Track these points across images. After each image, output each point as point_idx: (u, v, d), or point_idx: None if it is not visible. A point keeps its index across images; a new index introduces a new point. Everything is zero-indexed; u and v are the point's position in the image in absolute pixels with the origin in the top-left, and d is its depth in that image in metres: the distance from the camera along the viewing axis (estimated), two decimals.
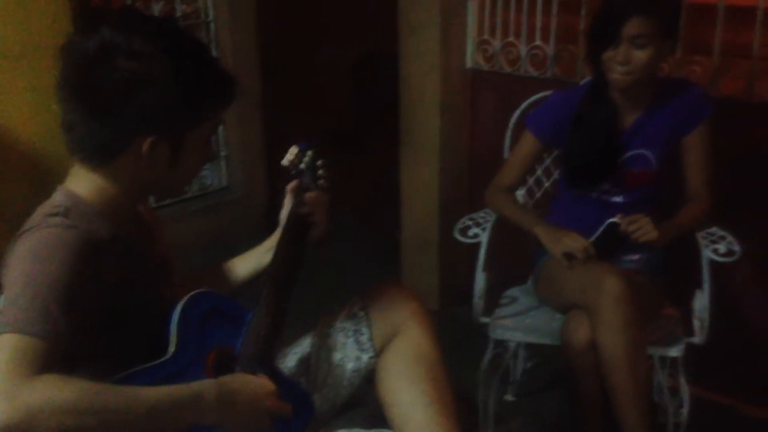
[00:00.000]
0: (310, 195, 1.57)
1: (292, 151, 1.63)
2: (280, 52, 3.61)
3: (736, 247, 2.01)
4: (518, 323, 2.18)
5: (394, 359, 1.53)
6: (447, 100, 2.94)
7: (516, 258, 2.45)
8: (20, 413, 1.05)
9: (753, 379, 2.48)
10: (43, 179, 1.66)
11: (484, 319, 2.20)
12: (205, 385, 1.23)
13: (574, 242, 2.04)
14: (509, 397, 2.54)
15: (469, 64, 2.95)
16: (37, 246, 1.20)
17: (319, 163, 1.65)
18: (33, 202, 1.32)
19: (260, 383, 1.33)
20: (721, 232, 2.09)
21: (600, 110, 2.12)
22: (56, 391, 1.08)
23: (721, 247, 2.01)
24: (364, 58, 3.38)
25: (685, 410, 2.05)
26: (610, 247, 2.08)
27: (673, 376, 2.09)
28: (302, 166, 1.63)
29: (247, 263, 1.63)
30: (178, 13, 3.42)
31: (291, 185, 1.60)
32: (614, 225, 2.02)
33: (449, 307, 3.10)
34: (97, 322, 1.24)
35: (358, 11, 3.28)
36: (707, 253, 2.01)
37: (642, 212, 2.12)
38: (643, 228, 1.98)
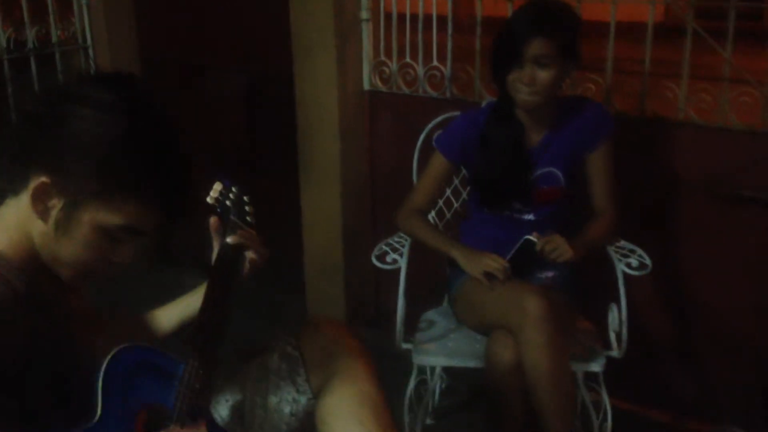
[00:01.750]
0: (242, 233, 1.48)
1: (216, 188, 1.55)
2: (166, 78, 3.46)
3: (648, 261, 2.07)
4: (440, 348, 2.16)
5: (336, 400, 1.47)
6: (345, 122, 2.91)
7: (427, 280, 2.45)
8: None
9: (662, 389, 2.57)
10: None
11: (406, 345, 2.17)
12: None
13: (494, 262, 2.05)
14: (429, 420, 2.52)
15: (366, 86, 2.93)
16: None
17: (245, 198, 1.57)
18: None
19: None
20: (630, 246, 2.16)
21: (506, 130, 2.15)
22: None
23: (633, 261, 2.06)
24: (256, 82, 3.29)
25: (609, 423, 2.09)
26: (526, 264, 2.10)
27: (594, 390, 2.13)
28: (228, 203, 1.54)
29: (172, 313, 1.53)
30: (54, 39, 3.23)
31: (213, 225, 1.50)
32: (530, 243, 2.04)
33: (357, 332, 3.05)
34: (15, 387, 1.11)
35: (248, 34, 3.19)
36: (621, 267, 2.06)
37: (552, 228, 2.16)
38: (559, 248, 2.00)
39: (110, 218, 1.17)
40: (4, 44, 3.05)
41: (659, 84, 2.37)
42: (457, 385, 2.61)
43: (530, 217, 2.19)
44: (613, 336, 2.09)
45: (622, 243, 2.18)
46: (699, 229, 2.39)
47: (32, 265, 1.21)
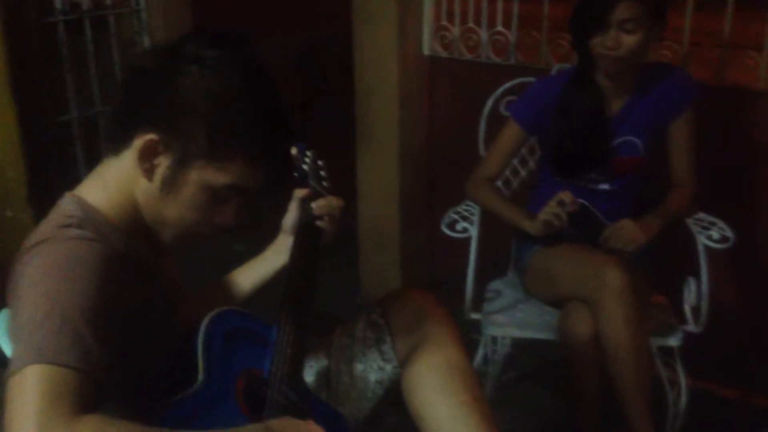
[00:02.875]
0: (321, 202, 1.45)
1: (292, 152, 1.51)
2: None
3: (729, 233, 2.00)
4: (510, 318, 2.11)
5: (425, 370, 1.43)
6: (404, 89, 2.85)
7: (488, 249, 2.39)
8: None
9: (730, 364, 2.51)
10: None
11: (475, 315, 2.13)
12: (252, 429, 1.11)
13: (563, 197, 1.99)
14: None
15: (426, 51, 2.86)
16: (58, 262, 1.04)
17: (320, 163, 1.53)
18: None
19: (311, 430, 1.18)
20: (710, 218, 2.09)
21: (586, 97, 2.08)
22: None
23: (715, 234, 2.00)
24: (310, 48, 3.23)
25: (683, 399, 2.04)
26: (586, 226, 2.03)
27: (669, 366, 2.07)
28: (305, 167, 1.51)
29: (250, 276, 1.50)
30: (108, 2, 3.19)
31: (300, 192, 1.47)
32: (602, 226, 1.99)
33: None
34: (123, 350, 1.09)
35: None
36: (703, 240, 1.99)
37: (628, 198, 2.11)
38: (624, 237, 1.95)
39: (217, 177, 1.14)
40: (59, 6, 3.02)
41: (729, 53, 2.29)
42: (519, 357, 2.57)
43: (605, 186, 2.13)
44: (688, 310, 2.03)
45: (702, 215, 2.10)
46: None
47: (133, 227, 1.19)
